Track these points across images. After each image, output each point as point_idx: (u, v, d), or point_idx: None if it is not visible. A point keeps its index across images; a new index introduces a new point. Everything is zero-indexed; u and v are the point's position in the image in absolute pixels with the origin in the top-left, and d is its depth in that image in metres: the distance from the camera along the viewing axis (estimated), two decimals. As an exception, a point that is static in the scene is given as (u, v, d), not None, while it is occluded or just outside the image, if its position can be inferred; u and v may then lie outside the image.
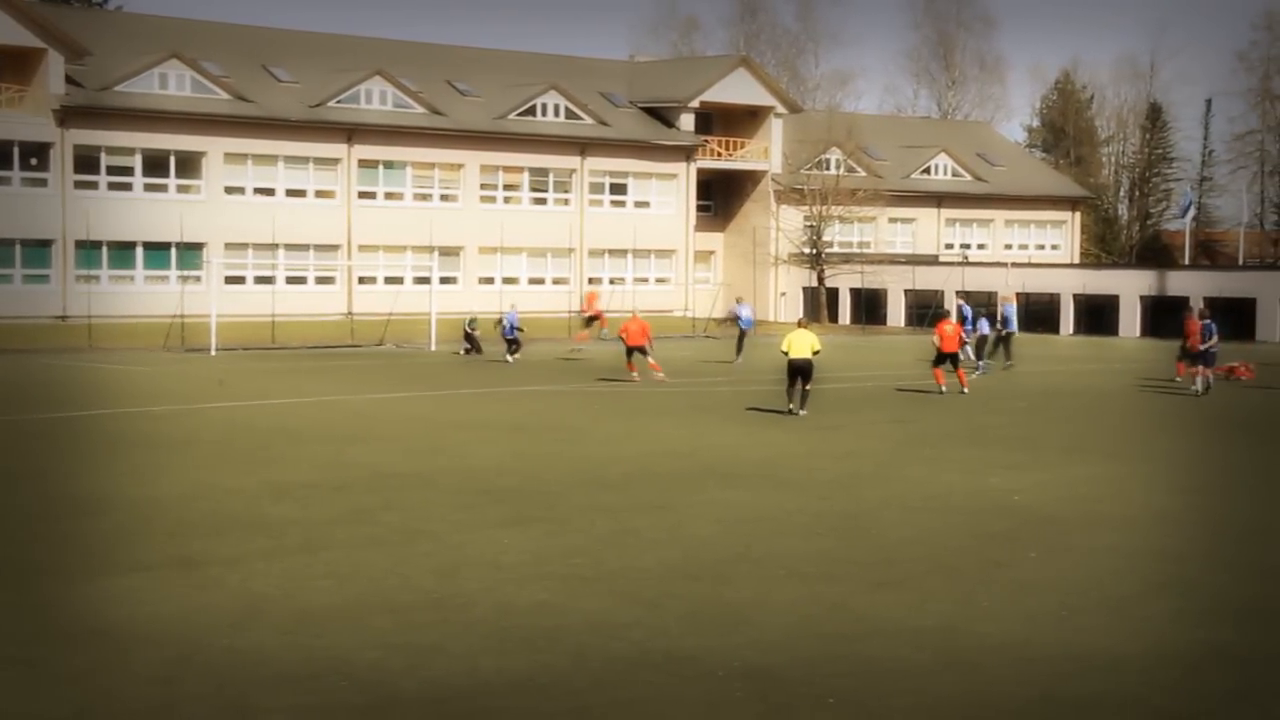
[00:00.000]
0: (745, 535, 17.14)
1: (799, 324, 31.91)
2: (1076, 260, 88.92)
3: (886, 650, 12.29)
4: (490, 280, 67.95)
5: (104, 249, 59.65)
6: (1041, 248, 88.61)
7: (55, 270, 58.63)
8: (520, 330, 44.92)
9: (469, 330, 49.36)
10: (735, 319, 47.08)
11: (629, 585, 14.46)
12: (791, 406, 29.64)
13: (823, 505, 19.32)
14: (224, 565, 15.06)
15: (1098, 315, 67.50)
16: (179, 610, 13.27)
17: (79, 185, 58.91)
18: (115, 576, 14.54)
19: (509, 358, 43.51)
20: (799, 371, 29.80)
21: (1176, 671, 11.96)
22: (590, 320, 51.01)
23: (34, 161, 58.28)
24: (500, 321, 45.84)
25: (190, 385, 35.23)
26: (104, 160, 59.82)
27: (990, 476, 22.02)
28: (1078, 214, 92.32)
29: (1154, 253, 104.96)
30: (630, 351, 37.60)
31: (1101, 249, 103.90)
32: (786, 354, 29.91)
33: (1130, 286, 67.89)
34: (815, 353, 29.85)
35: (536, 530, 17.26)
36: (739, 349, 44.48)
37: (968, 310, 43.78)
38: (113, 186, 60.10)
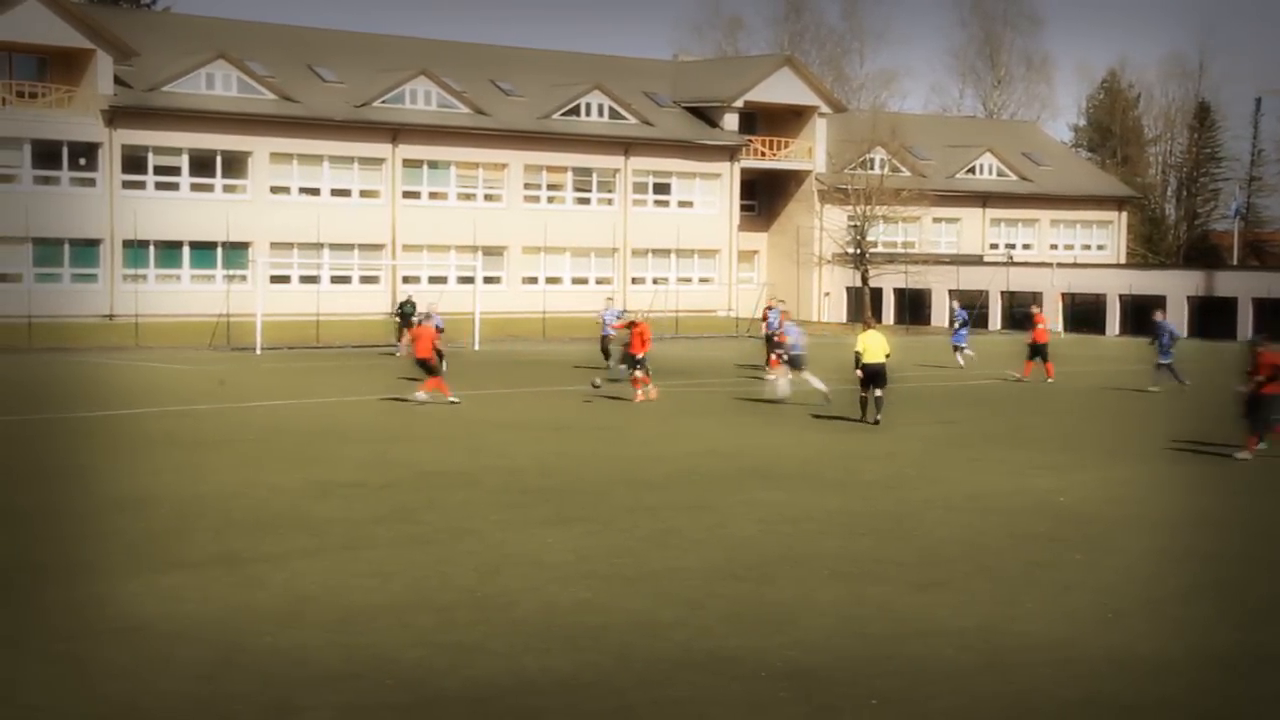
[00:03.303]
0: (787, 535, 17.12)
1: (866, 324, 30.38)
2: (1123, 261, 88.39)
3: (930, 651, 12.26)
4: (534, 280, 68.05)
5: (151, 248, 60.04)
6: (1088, 248, 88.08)
7: (103, 269, 59.05)
8: (441, 333, 37.11)
9: (406, 318, 44.28)
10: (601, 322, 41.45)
11: (672, 585, 14.46)
12: (874, 418, 27.90)
13: (865, 506, 19.28)
14: (267, 563, 15.14)
15: (1144, 316, 66.98)
16: (222, 608, 13.35)
17: (126, 185, 59.30)
18: (159, 574, 14.64)
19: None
20: (874, 376, 28.17)
21: (1220, 674, 11.88)
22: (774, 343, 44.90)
23: (82, 161, 58.73)
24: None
25: (235, 384, 35.41)
26: (151, 160, 60.21)
27: (1032, 477, 21.93)
28: (1124, 214, 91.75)
29: (1201, 253, 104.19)
30: (634, 362, 32.60)
31: (1148, 249, 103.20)
32: (861, 356, 28.25)
33: (1177, 287, 67.44)
34: (887, 356, 28.43)
35: (579, 529, 17.29)
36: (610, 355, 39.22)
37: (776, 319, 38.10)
38: (160, 186, 60.47)
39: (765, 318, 41.14)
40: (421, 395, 30.67)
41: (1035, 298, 64.46)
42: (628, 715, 10.67)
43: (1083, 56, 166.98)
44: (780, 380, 32.48)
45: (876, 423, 27.82)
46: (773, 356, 39.65)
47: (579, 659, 11.89)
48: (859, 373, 28.37)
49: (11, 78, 58.22)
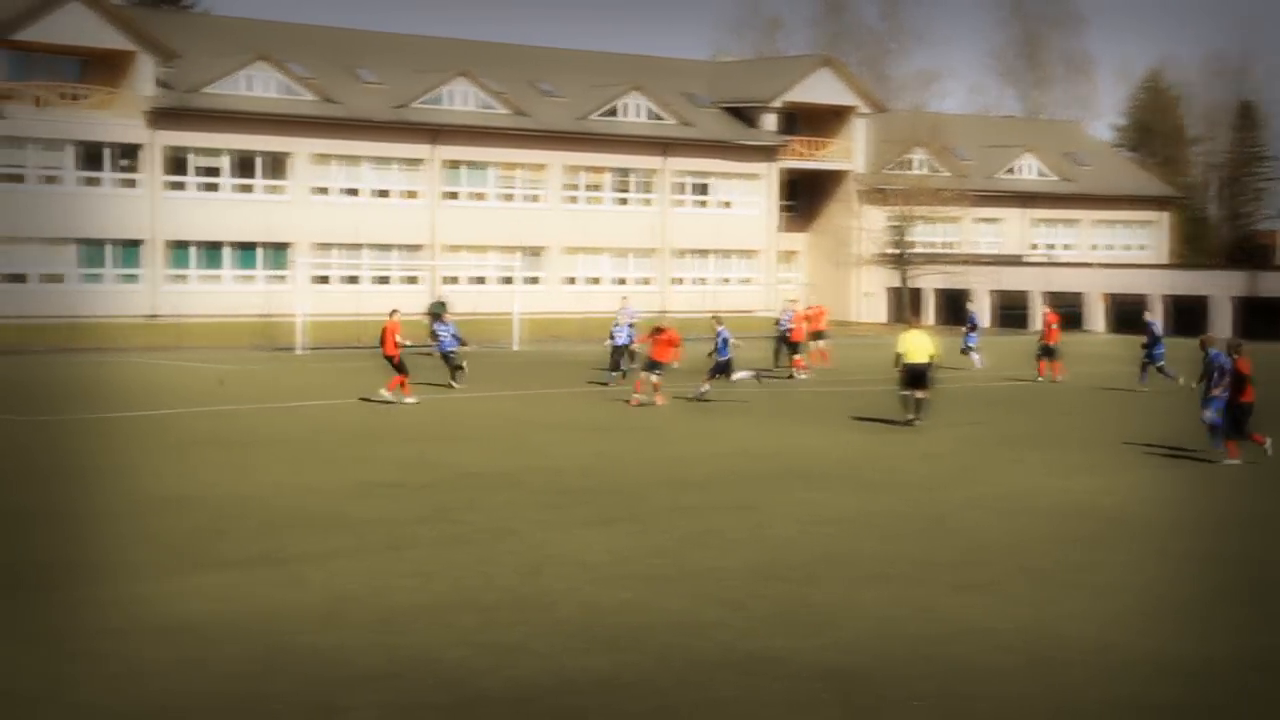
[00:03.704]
0: (828, 536, 17.10)
1: (909, 324, 30.15)
2: (1166, 261, 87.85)
3: (970, 652, 12.22)
4: (574, 280, 68.12)
5: (193, 249, 60.40)
6: (1130, 248, 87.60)
7: (145, 270, 59.43)
8: (463, 343, 36.30)
9: (436, 319, 42.56)
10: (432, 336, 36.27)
11: (712, 585, 14.46)
12: (910, 417, 27.67)
13: (905, 507, 19.23)
14: (309, 563, 15.21)
15: (1187, 317, 66.63)
16: (264, 607, 13.41)
17: (168, 186, 59.71)
18: (202, 573, 14.72)
19: (455, 382, 34.60)
20: (916, 377, 27.85)
21: (1263, 678, 11.80)
22: (794, 346, 40.38)
23: (125, 162, 59.13)
24: (435, 334, 36.24)
25: (275, 384, 35.55)
26: (193, 161, 60.58)
27: (1073, 478, 21.83)
28: (1167, 214, 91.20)
29: (1246, 253, 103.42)
30: (652, 365, 31.55)
31: (1192, 249, 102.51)
32: (902, 357, 27.96)
33: (1221, 287, 66.97)
34: (931, 357, 28.00)
35: (620, 530, 17.31)
36: (456, 368, 35.02)
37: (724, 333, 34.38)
38: (201, 187, 60.86)
39: (807, 315, 41.10)
40: (410, 400, 30.64)
41: (1079, 300, 64.09)
42: (669, 715, 10.67)
43: (1124, 56, 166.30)
44: (705, 384, 32.03)
45: (918, 423, 27.60)
46: (795, 357, 39.48)
47: (620, 659, 11.91)
48: (899, 372, 28.21)
49: (54, 79, 58.66)
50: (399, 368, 31.23)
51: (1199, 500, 20.42)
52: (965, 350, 43.43)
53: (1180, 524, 18.47)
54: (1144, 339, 38.08)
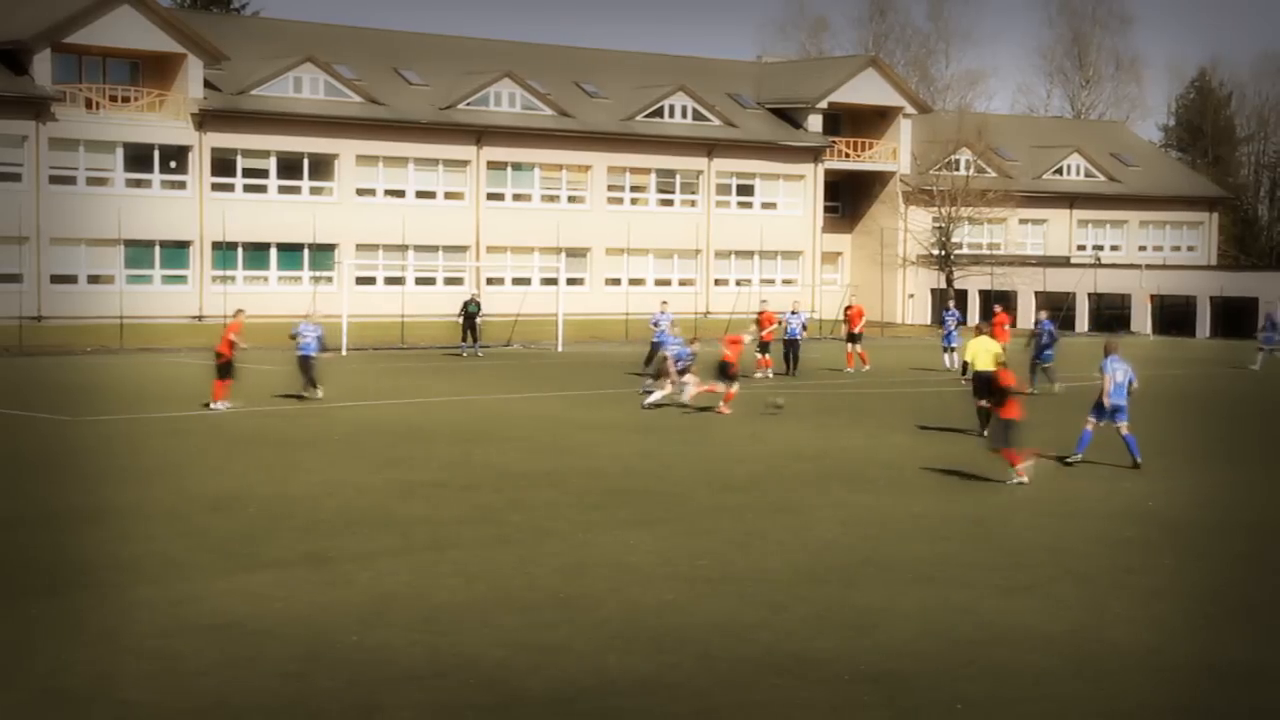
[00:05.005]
0: (872, 538, 17.05)
1: (978, 330, 29.07)
2: (1214, 262, 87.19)
3: (1015, 656, 12.17)
4: (617, 281, 68.15)
5: (239, 250, 60.73)
6: (1177, 249, 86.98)
7: (192, 271, 59.77)
8: (325, 348, 32.92)
9: (467, 318, 46.83)
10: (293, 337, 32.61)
11: (755, 587, 14.45)
12: (986, 432, 25.71)
13: (950, 509, 19.15)
14: (353, 563, 15.28)
15: (1236, 318, 66.15)
16: (310, 607, 13.48)
17: (215, 188, 60.03)
18: (249, 572, 14.81)
19: (308, 390, 31.74)
20: (985, 384, 26.16)
21: (1315, 683, 11.70)
22: (854, 337, 40.84)
23: (173, 164, 59.49)
24: (295, 334, 32.30)
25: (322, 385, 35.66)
26: (240, 163, 60.91)
27: (1119, 481, 21.68)
28: (1215, 215, 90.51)
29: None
30: (730, 377, 30.56)
31: (1240, 251, 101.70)
32: (970, 364, 27.04)
33: (1271, 289, 66.37)
34: (1000, 364, 26.31)
35: (663, 531, 17.31)
36: (310, 379, 31.94)
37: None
38: (248, 189, 61.16)
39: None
40: (219, 406, 29.45)
41: (1125, 301, 63.58)
42: (711, 717, 10.67)
43: (1173, 55, 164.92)
44: (655, 391, 31.41)
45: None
46: (765, 357, 39.04)
47: (662, 660, 11.91)
48: (965, 381, 27.36)
49: (105, 82, 59.11)
50: (224, 370, 29.90)
51: (1245, 504, 20.25)
52: (947, 349, 42.54)
53: (1228, 528, 18.32)
54: (1033, 338, 36.66)
